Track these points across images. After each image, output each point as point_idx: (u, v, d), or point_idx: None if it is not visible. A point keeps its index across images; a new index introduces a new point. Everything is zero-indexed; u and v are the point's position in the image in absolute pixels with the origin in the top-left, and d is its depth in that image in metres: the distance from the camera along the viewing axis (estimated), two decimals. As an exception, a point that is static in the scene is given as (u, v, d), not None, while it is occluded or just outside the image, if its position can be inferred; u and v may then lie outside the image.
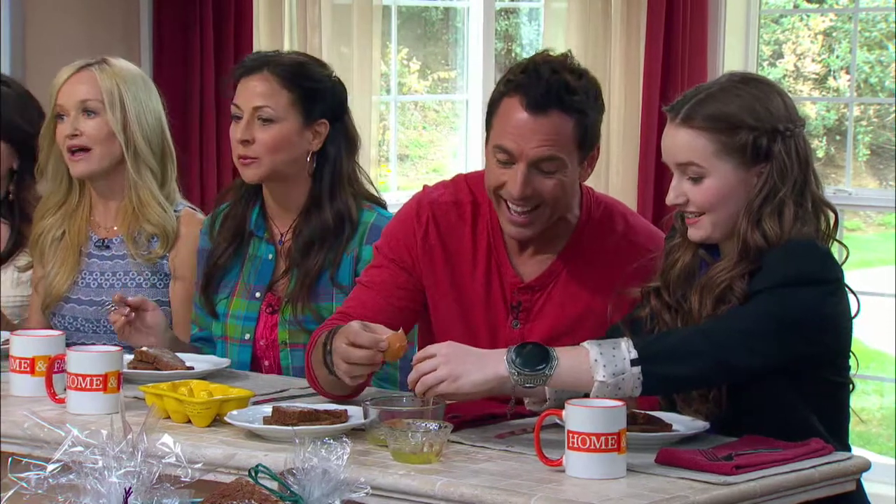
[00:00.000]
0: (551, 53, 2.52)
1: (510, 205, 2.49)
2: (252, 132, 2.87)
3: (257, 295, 2.93)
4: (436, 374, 2.24)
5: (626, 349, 2.23)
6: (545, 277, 2.58)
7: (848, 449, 2.39)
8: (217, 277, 2.96)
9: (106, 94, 3.01)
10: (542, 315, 2.56)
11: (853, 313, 2.36)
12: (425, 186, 2.70)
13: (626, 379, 2.22)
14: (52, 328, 3.09)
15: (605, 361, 2.22)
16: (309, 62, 2.96)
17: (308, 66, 2.93)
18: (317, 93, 2.89)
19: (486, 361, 2.25)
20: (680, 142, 2.37)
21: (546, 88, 2.43)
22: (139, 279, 3.06)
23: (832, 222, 2.39)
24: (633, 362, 2.22)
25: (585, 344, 2.26)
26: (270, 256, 2.95)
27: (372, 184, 3.00)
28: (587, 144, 2.50)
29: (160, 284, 3.06)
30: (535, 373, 2.22)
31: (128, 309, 2.83)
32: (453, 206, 2.62)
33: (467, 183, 2.64)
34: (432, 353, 2.27)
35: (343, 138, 2.92)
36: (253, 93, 2.88)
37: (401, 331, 2.36)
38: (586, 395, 2.29)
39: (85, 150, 3.02)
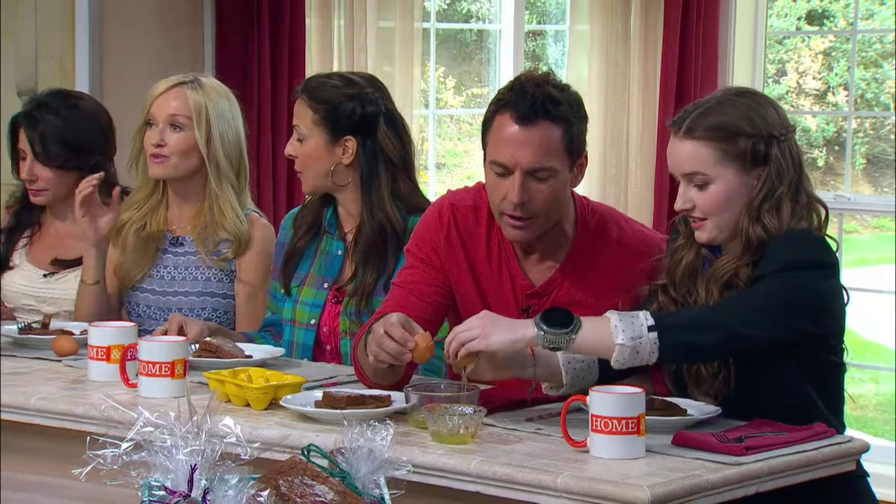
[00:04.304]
0: (535, 72, 2.52)
1: (510, 213, 2.48)
2: (294, 148, 2.93)
3: (325, 286, 2.95)
4: (469, 332, 2.24)
5: (643, 318, 2.22)
6: (550, 284, 2.56)
7: (843, 425, 2.38)
8: (296, 259, 2.97)
9: (194, 112, 3.04)
10: None
11: (845, 301, 2.35)
12: (449, 191, 2.70)
13: (644, 343, 2.21)
14: (124, 313, 3.15)
15: (624, 327, 2.21)
16: (335, 84, 2.91)
17: (331, 88, 2.90)
18: (337, 112, 2.88)
19: (516, 325, 2.25)
20: (684, 153, 2.36)
21: (532, 101, 2.43)
22: (207, 274, 3.09)
23: (823, 217, 2.38)
24: (651, 328, 2.21)
25: (607, 313, 2.25)
26: (340, 252, 2.96)
27: (421, 195, 2.95)
28: (575, 151, 2.48)
29: (226, 280, 3.09)
30: (560, 334, 2.21)
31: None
32: (472, 210, 2.61)
33: (486, 190, 2.63)
34: (471, 320, 2.28)
35: (377, 153, 2.89)
36: (294, 114, 2.94)
37: (427, 333, 2.35)
38: (600, 381, 2.27)
39: (165, 156, 3.06)
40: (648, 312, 2.23)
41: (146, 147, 3.09)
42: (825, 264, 2.32)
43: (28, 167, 3.27)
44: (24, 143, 3.28)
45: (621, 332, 2.20)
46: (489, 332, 2.23)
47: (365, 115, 2.89)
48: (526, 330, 2.23)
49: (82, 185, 3.08)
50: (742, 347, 2.28)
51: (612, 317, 2.23)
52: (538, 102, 2.43)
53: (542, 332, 2.21)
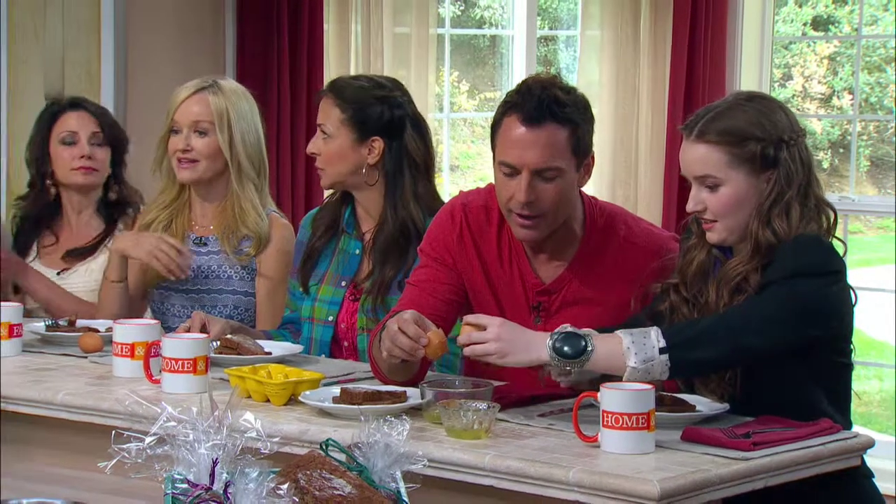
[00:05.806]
0: (541, 75, 2.52)
1: (518, 212, 2.48)
2: (318, 145, 2.91)
3: (343, 284, 2.95)
4: (485, 348, 2.24)
5: (655, 338, 2.21)
6: (559, 282, 2.56)
7: (850, 423, 2.37)
8: (314, 258, 2.98)
9: (216, 117, 3.06)
10: (560, 314, 2.54)
11: (853, 302, 2.34)
12: (461, 191, 2.69)
13: (655, 365, 2.20)
14: (149, 311, 3.18)
15: (636, 349, 2.20)
16: (363, 85, 2.91)
17: (359, 89, 2.90)
18: (366, 113, 2.87)
19: (531, 347, 2.24)
20: (696, 156, 2.35)
21: (539, 103, 2.42)
22: (230, 272, 3.10)
23: (832, 220, 2.37)
24: (662, 350, 2.20)
25: (619, 332, 2.24)
26: (357, 251, 2.96)
27: (438, 196, 2.94)
28: (581, 152, 2.47)
29: (248, 278, 3.10)
30: (573, 360, 2.21)
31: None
32: (483, 210, 2.61)
33: (496, 190, 2.62)
34: (485, 324, 2.26)
35: (402, 155, 2.89)
36: (320, 112, 2.93)
37: (440, 330, 2.35)
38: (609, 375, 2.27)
39: (193, 161, 3.07)
40: (660, 332, 2.22)
41: (171, 153, 3.10)
42: (832, 270, 2.30)
43: (88, 150, 3.30)
44: (76, 126, 3.33)
45: (633, 354, 2.20)
46: (505, 352, 2.23)
47: (393, 117, 2.89)
48: (540, 353, 2.23)
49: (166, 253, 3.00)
50: (752, 357, 2.27)
51: (625, 338, 2.22)
52: (544, 104, 2.42)
53: (557, 359, 2.21)
